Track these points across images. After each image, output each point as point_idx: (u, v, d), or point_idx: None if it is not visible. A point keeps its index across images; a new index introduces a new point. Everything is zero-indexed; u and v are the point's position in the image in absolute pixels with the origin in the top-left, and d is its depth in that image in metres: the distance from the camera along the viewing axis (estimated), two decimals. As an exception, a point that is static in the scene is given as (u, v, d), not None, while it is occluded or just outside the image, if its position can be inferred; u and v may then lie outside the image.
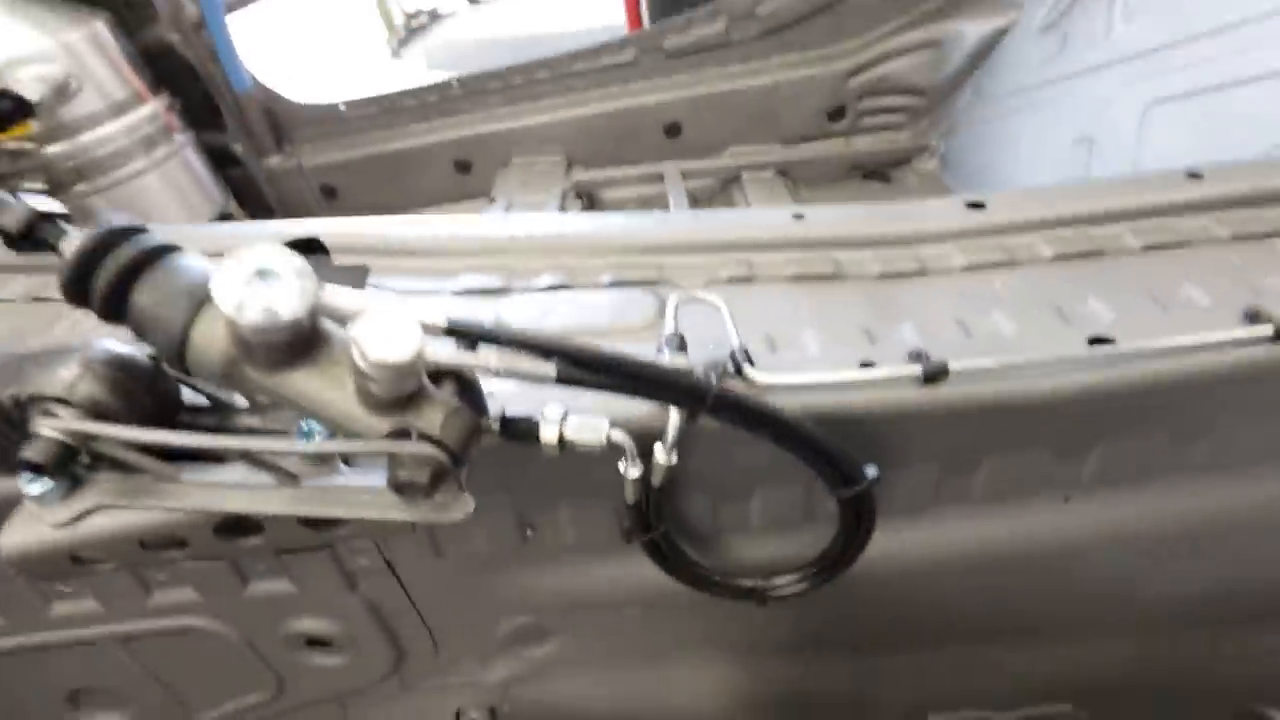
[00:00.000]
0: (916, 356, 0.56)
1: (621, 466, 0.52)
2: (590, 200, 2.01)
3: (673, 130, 2.00)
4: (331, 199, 2.08)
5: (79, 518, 0.45)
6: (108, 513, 0.46)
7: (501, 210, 1.82)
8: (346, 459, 0.45)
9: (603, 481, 0.55)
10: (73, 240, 0.38)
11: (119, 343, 0.45)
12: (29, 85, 1.44)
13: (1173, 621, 0.75)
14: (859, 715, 0.81)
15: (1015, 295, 0.65)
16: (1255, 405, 0.61)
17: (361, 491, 0.44)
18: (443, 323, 0.38)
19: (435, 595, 0.67)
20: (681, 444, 0.52)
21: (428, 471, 0.40)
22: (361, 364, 0.35)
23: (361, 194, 2.07)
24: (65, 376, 0.42)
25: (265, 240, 0.37)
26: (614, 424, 0.49)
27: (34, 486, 0.45)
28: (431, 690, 0.77)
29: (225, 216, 1.91)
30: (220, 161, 1.93)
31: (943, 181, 1.85)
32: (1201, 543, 0.69)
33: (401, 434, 0.40)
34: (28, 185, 1.53)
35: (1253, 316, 0.58)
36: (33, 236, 0.39)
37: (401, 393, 0.38)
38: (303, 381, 0.39)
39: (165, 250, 0.40)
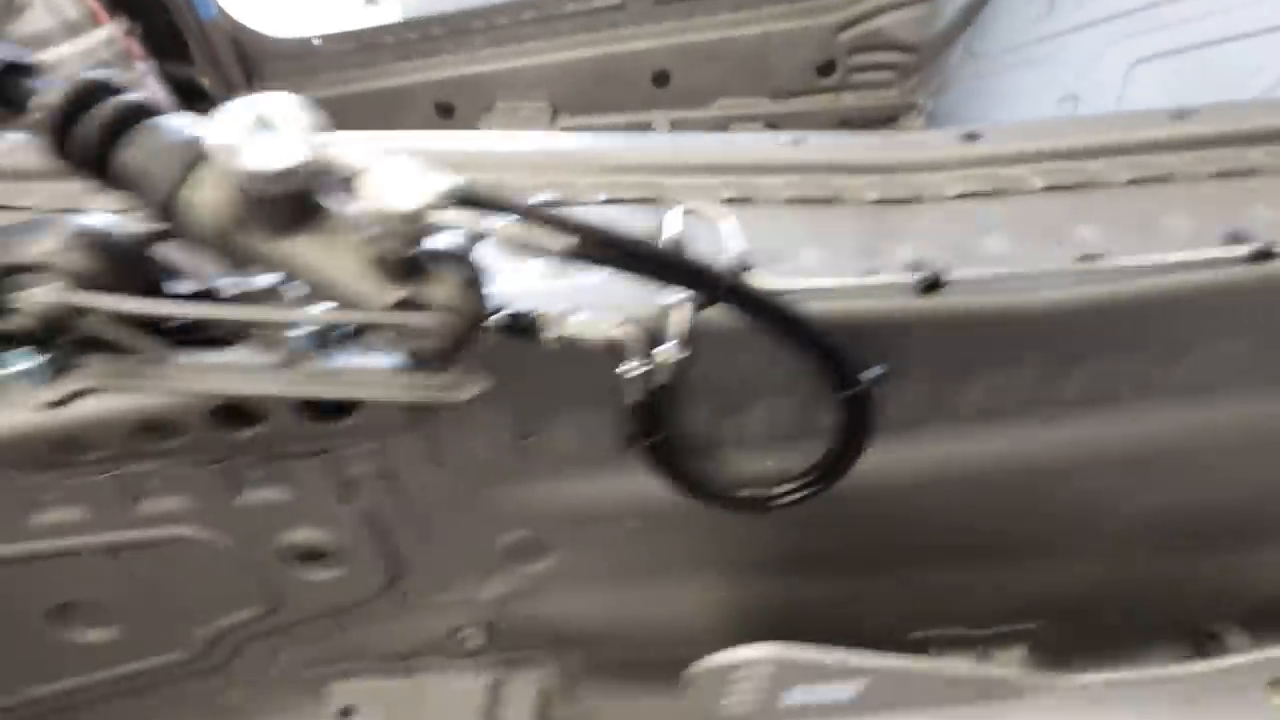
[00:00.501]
0: (914, 267, 0.57)
1: (625, 365, 0.53)
2: (575, 148, 1.97)
3: (661, 79, 1.96)
4: (305, 140, 2.00)
5: (65, 400, 0.44)
6: (97, 397, 0.44)
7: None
8: (355, 334, 0.44)
9: (605, 386, 0.55)
10: (51, 91, 0.36)
11: (104, 217, 0.43)
12: (-27, -3, 1.34)
13: (1144, 542, 0.80)
14: (845, 633, 0.84)
15: (1009, 221, 0.67)
16: (1232, 326, 0.64)
17: (369, 372, 0.43)
18: (452, 187, 0.37)
19: (434, 507, 0.67)
20: (686, 344, 0.53)
21: (449, 336, 0.39)
22: (369, 217, 0.35)
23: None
24: (49, 245, 0.41)
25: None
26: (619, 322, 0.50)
27: (17, 363, 0.43)
28: (428, 608, 0.77)
29: (192, 153, 1.82)
30: (186, 95, 1.83)
31: (928, 139, 1.86)
32: (1178, 463, 0.73)
33: (411, 306, 0.39)
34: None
35: (1232, 238, 0.61)
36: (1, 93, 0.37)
37: (410, 254, 0.38)
38: (305, 247, 0.38)
39: (152, 110, 0.38)
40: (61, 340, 0.41)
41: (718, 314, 0.53)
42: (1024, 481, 0.73)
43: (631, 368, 0.53)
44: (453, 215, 0.37)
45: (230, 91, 1.90)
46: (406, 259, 0.37)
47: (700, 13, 1.90)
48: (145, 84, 1.67)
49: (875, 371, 0.55)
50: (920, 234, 0.66)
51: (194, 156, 0.36)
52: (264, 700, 0.85)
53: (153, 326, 0.43)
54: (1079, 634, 0.87)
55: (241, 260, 0.39)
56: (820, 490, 0.63)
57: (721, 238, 0.60)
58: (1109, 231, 0.64)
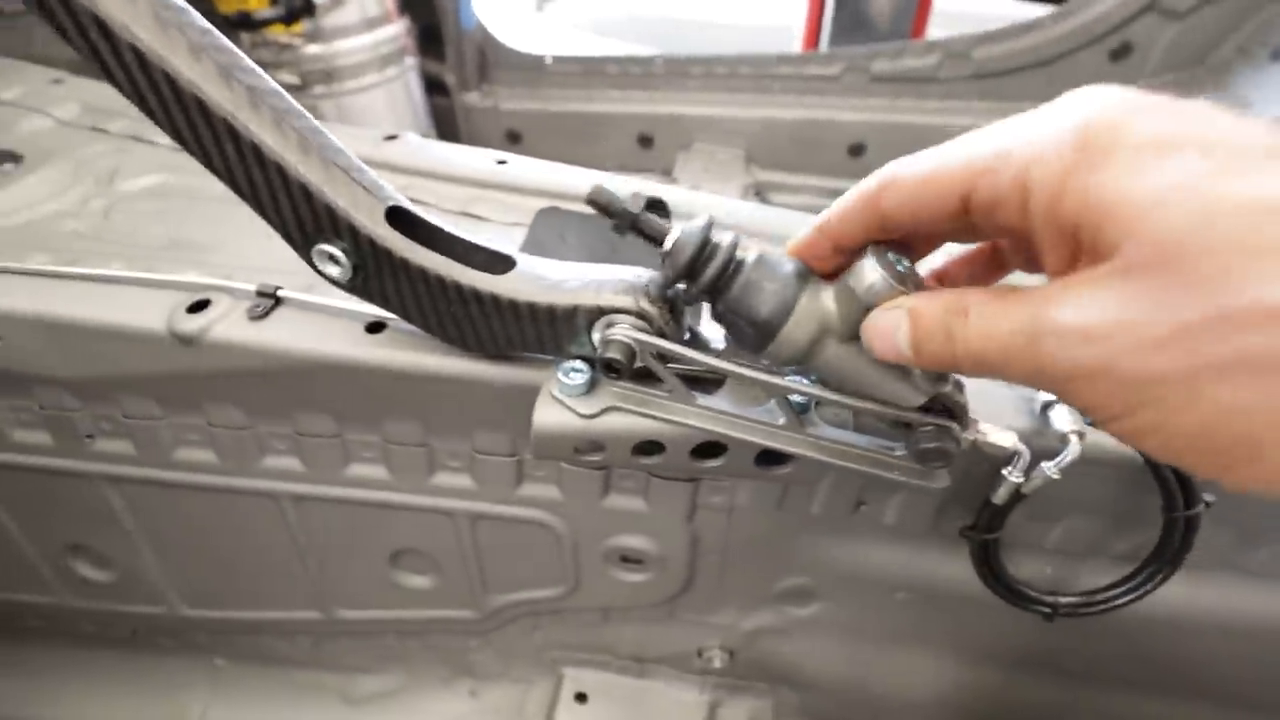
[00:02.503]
0: None
1: (1006, 471, 0.59)
2: (762, 200, 2.07)
3: (856, 150, 2.04)
4: (515, 143, 2.18)
5: (600, 413, 0.53)
6: (620, 415, 0.54)
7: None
8: (867, 420, 0.52)
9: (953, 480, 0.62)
10: (678, 235, 0.46)
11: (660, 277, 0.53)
12: (314, -12, 1.54)
13: None
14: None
15: None
16: None
17: (860, 447, 0.52)
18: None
19: (749, 542, 0.75)
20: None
21: (952, 443, 0.47)
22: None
23: (543, 144, 2.16)
24: (642, 296, 0.51)
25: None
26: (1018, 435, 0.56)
27: (574, 379, 0.53)
28: (687, 623, 0.85)
29: (423, 141, 2.01)
30: (428, 88, 2.03)
31: (1116, 258, 1.88)
32: None
33: (925, 410, 0.47)
34: (282, 77, 1.64)
35: None
36: (638, 225, 0.47)
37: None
38: (864, 356, 0.46)
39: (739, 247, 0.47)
40: (617, 367, 0.51)
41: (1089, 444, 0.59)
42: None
43: (1011, 476, 0.59)
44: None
45: (463, 90, 2.09)
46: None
47: (909, 95, 1.99)
48: (408, 77, 1.87)
49: (1210, 497, 0.61)
50: None
51: (801, 280, 0.45)
52: (506, 667, 0.95)
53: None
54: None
55: (813, 360, 0.47)
56: (1120, 607, 0.68)
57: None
58: None
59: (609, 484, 0.70)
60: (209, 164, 0.50)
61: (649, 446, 0.56)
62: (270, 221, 0.53)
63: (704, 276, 0.45)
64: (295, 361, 0.63)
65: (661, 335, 0.51)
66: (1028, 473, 0.59)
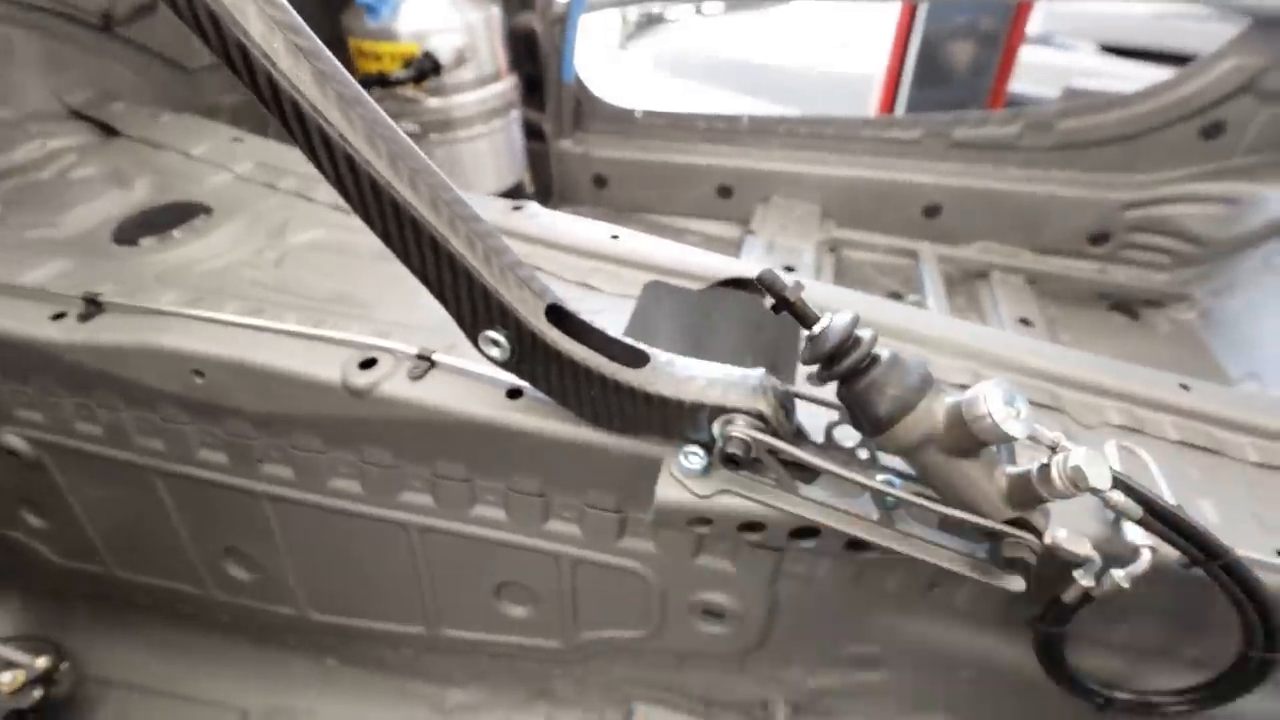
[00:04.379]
0: None
1: (1078, 574, 0.64)
2: (836, 257, 2.12)
3: (931, 211, 2.08)
4: (601, 187, 2.31)
5: (714, 494, 0.62)
6: (729, 497, 0.62)
7: (762, 249, 1.97)
8: (959, 524, 0.59)
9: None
10: (828, 324, 0.53)
11: (772, 377, 0.62)
12: (442, 51, 1.72)
13: None
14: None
15: None
16: None
17: (942, 545, 0.58)
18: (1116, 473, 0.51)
19: (824, 609, 0.81)
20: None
21: (1031, 554, 0.53)
22: (1058, 479, 0.49)
23: (628, 190, 2.29)
24: (760, 397, 0.59)
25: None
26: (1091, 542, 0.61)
27: (693, 462, 0.62)
28: (756, 675, 0.92)
29: (519, 185, 2.17)
30: (527, 134, 2.19)
31: (1200, 336, 1.84)
32: None
33: (1013, 524, 0.53)
34: (404, 126, 1.83)
35: None
36: (795, 309, 0.55)
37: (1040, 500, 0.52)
38: (969, 469, 0.53)
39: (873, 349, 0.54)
40: (736, 460, 0.60)
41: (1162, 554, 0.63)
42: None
43: (1085, 580, 0.64)
44: (1113, 495, 0.51)
45: (559, 136, 2.25)
46: (1033, 494, 0.52)
47: (988, 162, 2.01)
48: (511, 128, 2.03)
49: None
50: None
51: (925, 389, 0.52)
52: (581, 696, 1.03)
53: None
54: None
55: (915, 461, 0.54)
56: (1178, 715, 0.71)
57: (1147, 478, 0.71)
58: None
59: (701, 545, 0.78)
60: (404, 259, 0.60)
61: (753, 525, 0.64)
62: (446, 307, 0.64)
63: (841, 365, 0.52)
64: (446, 418, 0.74)
65: (775, 434, 0.59)
66: (1099, 578, 0.64)
